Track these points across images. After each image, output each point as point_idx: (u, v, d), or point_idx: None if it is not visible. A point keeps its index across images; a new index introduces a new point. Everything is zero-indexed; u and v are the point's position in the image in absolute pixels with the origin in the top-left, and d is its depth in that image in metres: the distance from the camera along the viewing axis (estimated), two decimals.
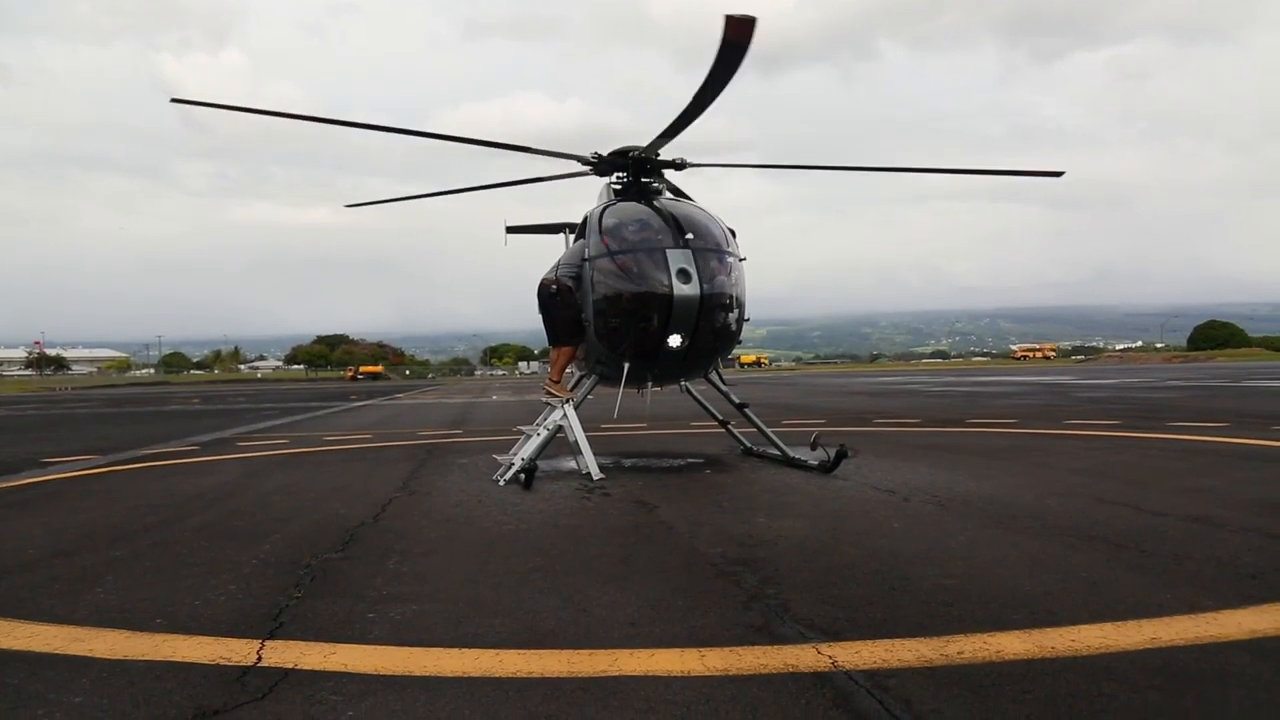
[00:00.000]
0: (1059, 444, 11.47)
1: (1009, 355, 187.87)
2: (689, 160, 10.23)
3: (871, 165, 10.60)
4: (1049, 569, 4.70)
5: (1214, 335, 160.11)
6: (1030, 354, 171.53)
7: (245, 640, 3.75)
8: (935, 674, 3.19)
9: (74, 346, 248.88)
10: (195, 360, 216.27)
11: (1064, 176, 10.95)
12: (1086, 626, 3.67)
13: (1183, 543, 5.25)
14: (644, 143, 9.53)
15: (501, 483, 8.63)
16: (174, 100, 9.07)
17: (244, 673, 3.36)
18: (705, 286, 8.71)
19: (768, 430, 10.36)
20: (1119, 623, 3.71)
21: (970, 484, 7.90)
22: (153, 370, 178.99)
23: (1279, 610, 3.83)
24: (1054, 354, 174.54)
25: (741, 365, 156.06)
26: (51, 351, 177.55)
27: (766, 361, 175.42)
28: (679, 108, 8.03)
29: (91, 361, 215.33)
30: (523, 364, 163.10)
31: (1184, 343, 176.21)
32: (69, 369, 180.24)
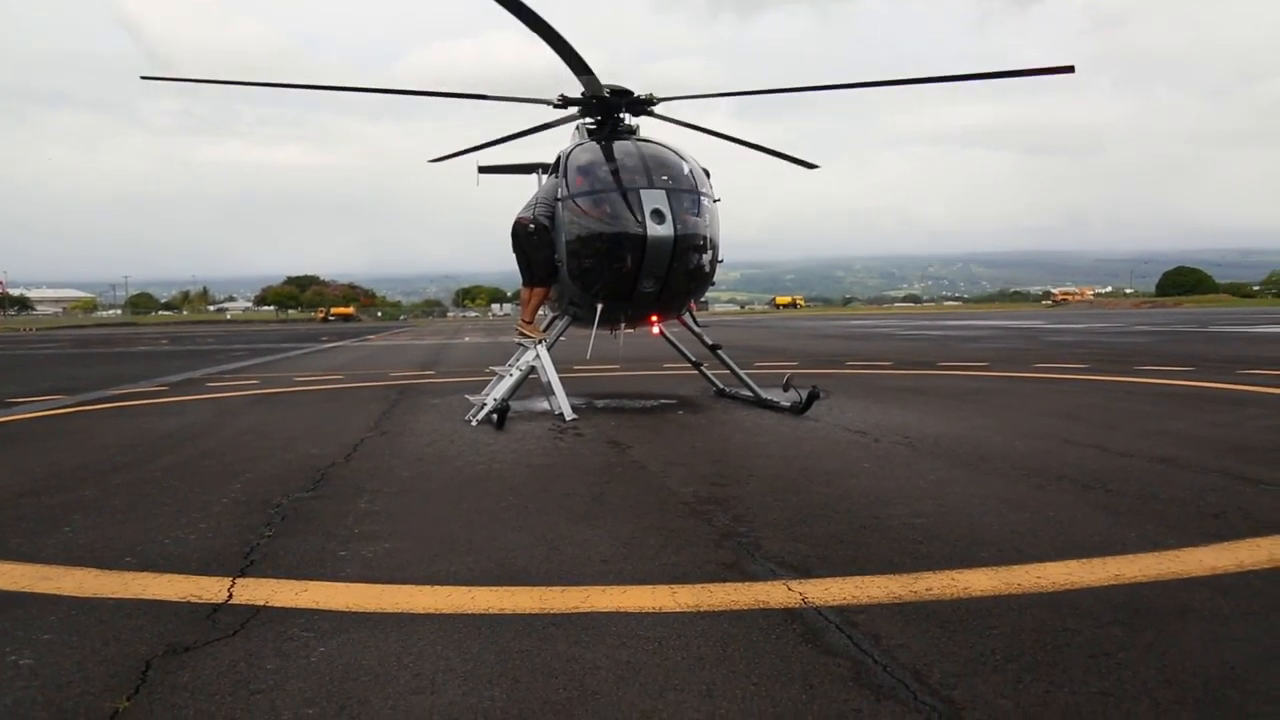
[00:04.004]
0: (1028, 387, 11.60)
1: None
2: (658, 96, 10.04)
3: (858, 81, 10.06)
4: (1017, 508, 4.77)
5: (1182, 281, 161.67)
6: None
7: (216, 578, 3.73)
8: (904, 610, 3.23)
9: (38, 287, 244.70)
10: (163, 301, 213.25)
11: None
12: (1052, 564, 3.73)
13: (1148, 483, 5.34)
14: (617, 83, 9.38)
15: (474, 423, 8.61)
16: (145, 78, 8.83)
17: (215, 610, 3.35)
18: (679, 227, 8.64)
19: (741, 372, 10.39)
20: (1084, 560, 3.77)
21: (941, 426, 7.97)
22: (120, 311, 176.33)
23: (1239, 548, 3.91)
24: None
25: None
26: (15, 292, 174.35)
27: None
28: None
29: (56, 302, 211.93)
30: (495, 305, 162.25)
31: (1153, 288, 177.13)
32: (33, 309, 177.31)
